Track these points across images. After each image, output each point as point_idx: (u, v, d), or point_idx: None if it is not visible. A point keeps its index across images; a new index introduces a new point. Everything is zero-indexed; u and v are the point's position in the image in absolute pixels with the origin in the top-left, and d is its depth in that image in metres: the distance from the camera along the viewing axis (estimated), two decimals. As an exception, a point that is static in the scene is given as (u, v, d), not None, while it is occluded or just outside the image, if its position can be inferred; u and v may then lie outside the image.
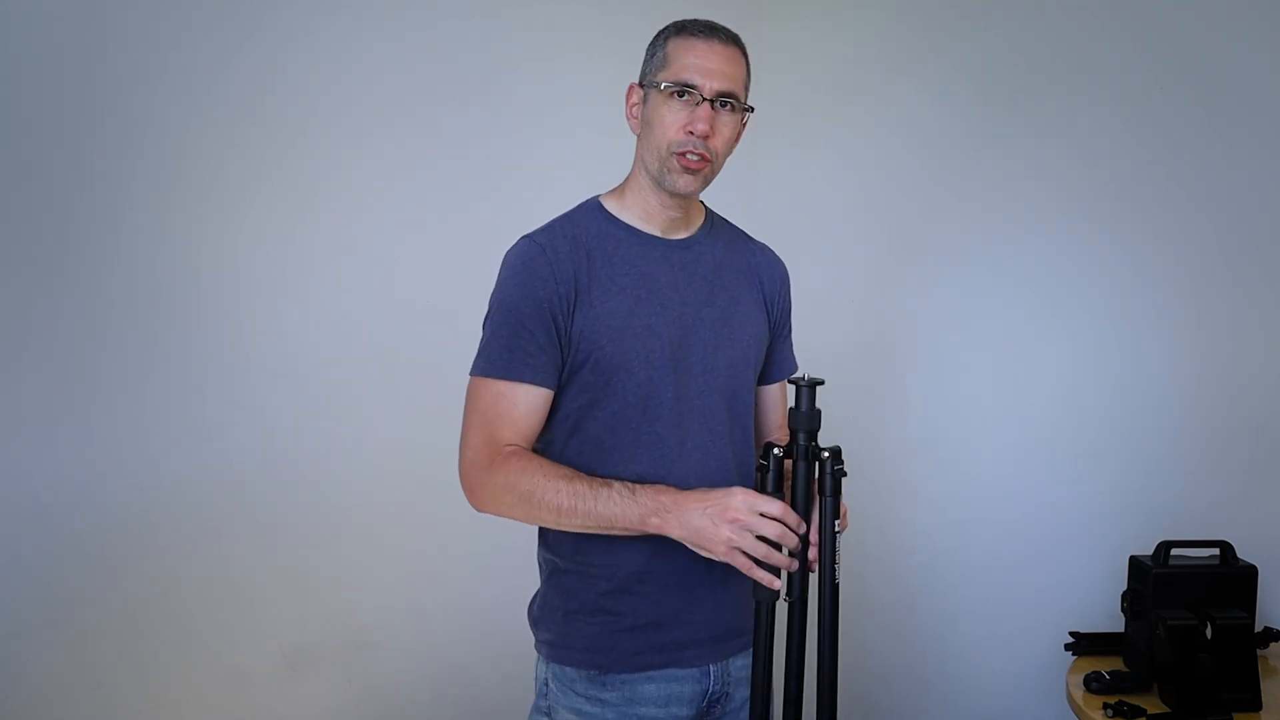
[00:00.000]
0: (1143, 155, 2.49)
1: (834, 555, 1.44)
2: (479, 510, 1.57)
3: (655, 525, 1.46)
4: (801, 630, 1.47)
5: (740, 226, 1.80)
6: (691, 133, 1.52)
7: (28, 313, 1.98)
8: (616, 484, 1.49)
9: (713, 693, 1.64)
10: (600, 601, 1.60)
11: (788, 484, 1.48)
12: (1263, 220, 2.35)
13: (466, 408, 1.58)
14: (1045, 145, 2.63)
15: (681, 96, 1.53)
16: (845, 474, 1.45)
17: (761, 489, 1.46)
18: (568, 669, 1.61)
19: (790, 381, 1.47)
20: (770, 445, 1.47)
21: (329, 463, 2.36)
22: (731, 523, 1.41)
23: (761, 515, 1.42)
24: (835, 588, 1.44)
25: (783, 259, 1.80)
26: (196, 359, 2.17)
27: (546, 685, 1.64)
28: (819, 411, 1.45)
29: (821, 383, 1.44)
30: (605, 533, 1.51)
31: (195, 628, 2.19)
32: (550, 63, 2.65)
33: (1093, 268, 2.57)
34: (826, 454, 1.44)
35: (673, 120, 1.53)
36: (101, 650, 2.07)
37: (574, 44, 2.68)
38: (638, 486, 1.49)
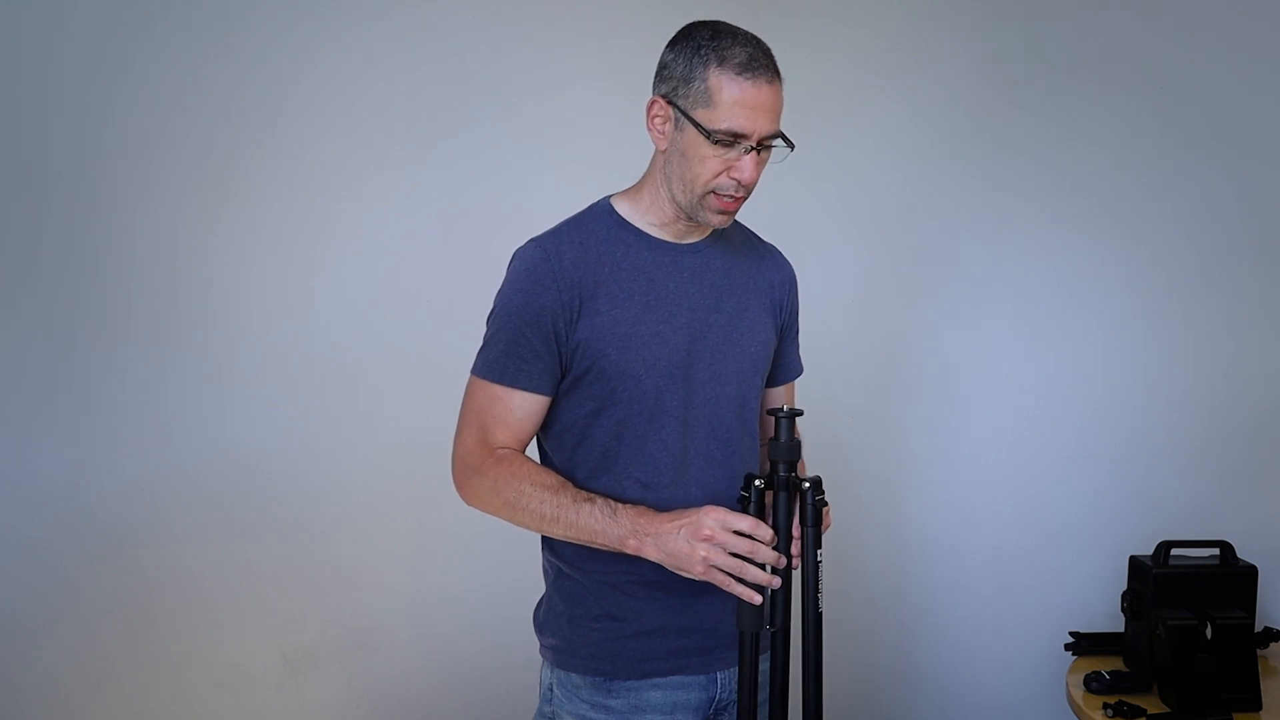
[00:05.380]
0: (1133, 161, 2.49)
1: (817, 585, 1.43)
2: (467, 505, 1.58)
3: (633, 547, 1.45)
4: (785, 658, 1.47)
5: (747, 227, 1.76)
6: (735, 179, 1.48)
7: (37, 314, 2.01)
8: (600, 500, 1.48)
9: (719, 700, 1.62)
10: (605, 607, 1.58)
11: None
12: (1259, 219, 2.34)
13: (463, 404, 1.58)
14: (1036, 155, 2.63)
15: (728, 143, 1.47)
16: (826, 504, 1.44)
17: None
18: (573, 675, 1.60)
19: (769, 413, 1.45)
20: (751, 476, 1.46)
21: (329, 464, 2.37)
22: (705, 541, 1.40)
23: (735, 532, 1.41)
24: (819, 617, 1.43)
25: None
26: (205, 361, 2.19)
27: (551, 690, 1.63)
28: (799, 442, 1.44)
29: (800, 414, 1.43)
30: (588, 545, 1.50)
31: (196, 627, 2.21)
32: (553, 67, 2.61)
33: (1097, 270, 2.55)
34: (807, 484, 1.43)
35: (716, 164, 1.47)
36: (102, 650, 2.09)
37: (576, 48, 2.64)
38: (620, 506, 1.47)
